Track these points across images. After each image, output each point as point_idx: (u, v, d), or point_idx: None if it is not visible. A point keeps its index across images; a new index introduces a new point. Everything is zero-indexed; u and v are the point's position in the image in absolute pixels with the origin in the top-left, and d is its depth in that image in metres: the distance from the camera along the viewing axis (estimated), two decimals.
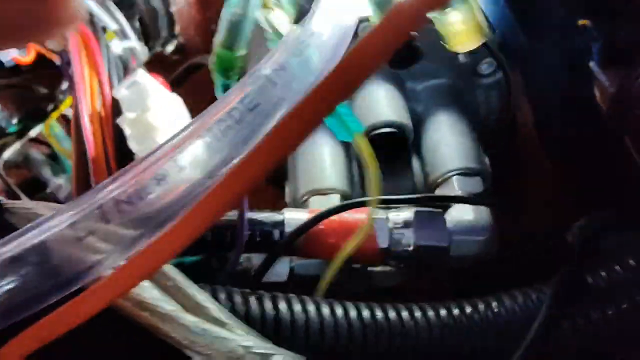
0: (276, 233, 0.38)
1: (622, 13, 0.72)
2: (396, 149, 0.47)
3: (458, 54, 0.48)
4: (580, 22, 0.69)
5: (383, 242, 0.39)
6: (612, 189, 0.59)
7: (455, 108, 0.49)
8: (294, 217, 0.39)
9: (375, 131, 0.45)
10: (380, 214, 0.40)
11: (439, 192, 0.45)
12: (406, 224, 0.40)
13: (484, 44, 0.47)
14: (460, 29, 0.41)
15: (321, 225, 0.39)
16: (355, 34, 0.36)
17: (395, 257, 0.40)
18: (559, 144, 0.56)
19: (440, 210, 0.41)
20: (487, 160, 0.48)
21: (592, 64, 0.69)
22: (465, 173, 0.44)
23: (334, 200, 0.44)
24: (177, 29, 0.75)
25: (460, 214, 0.42)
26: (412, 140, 0.48)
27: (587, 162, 0.57)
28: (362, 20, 0.40)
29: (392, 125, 0.45)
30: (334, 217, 0.39)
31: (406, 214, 0.40)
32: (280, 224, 0.38)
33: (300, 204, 0.45)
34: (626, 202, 0.58)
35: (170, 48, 0.76)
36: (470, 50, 0.47)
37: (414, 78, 0.50)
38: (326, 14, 0.34)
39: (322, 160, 0.46)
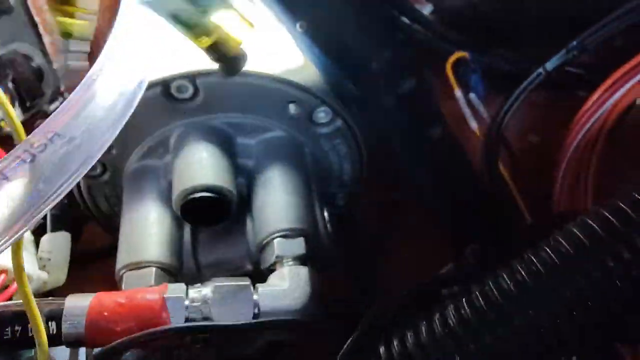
0: (52, 325, 0.35)
1: (502, 43, 0.71)
2: (224, 211, 0.44)
3: (288, 104, 0.46)
4: (459, 54, 0.69)
5: (178, 323, 0.36)
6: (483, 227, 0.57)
7: (289, 162, 0.46)
8: (75, 305, 0.35)
9: (192, 195, 0.42)
10: (177, 290, 0.37)
11: (263, 255, 0.42)
12: (206, 301, 0.36)
13: (314, 94, 0.46)
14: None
15: (105, 312, 0.35)
16: None
17: (195, 340, 0.36)
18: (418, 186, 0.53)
19: (247, 282, 0.38)
20: (322, 217, 0.45)
21: (471, 96, 0.68)
22: (287, 235, 0.41)
23: (149, 275, 0.40)
24: (62, 87, 0.73)
25: (276, 281, 0.39)
26: (248, 198, 0.46)
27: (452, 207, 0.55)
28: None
29: (211, 189, 0.42)
30: (121, 299, 0.36)
31: (207, 289, 0.37)
32: (57, 315, 0.35)
33: (119, 280, 0.42)
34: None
35: (55, 105, 0.73)
36: (301, 100, 0.46)
37: (245, 133, 0.47)
38: (111, 79, 0.31)
39: (141, 230, 0.43)
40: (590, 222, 0.33)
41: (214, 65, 0.43)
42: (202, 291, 0.37)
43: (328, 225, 0.46)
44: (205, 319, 0.36)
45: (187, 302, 0.36)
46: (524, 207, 0.57)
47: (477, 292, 0.34)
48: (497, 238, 0.56)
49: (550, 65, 0.58)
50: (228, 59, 0.40)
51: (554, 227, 0.49)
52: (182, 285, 0.38)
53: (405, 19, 0.65)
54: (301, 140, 0.48)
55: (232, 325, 0.35)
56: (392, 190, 0.64)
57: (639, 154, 0.65)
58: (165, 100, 0.44)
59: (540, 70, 0.59)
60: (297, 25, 0.42)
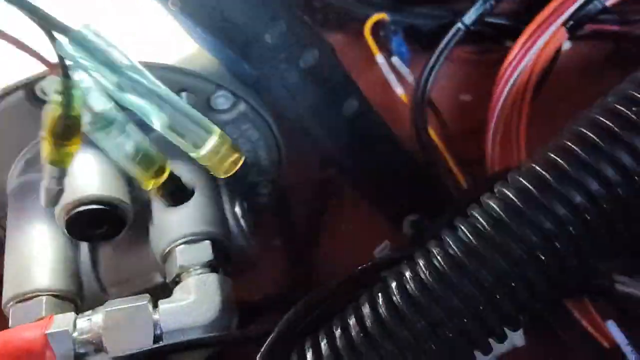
0: None
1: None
2: (118, 222, 0.39)
3: (178, 93, 0.41)
4: (378, 16, 0.65)
5: None
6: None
7: (189, 158, 0.41)
8: None
9: (76, 210, 0.37)
10: (63, 323, 0.32)
11: (167, 267, 0.38)
12: (97, 330, 0.32)
13: (206, 79, 0.41)
14: (216, 158, 0.33)
15: None
16: None
17: None
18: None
19: (144, 301, 0.33)
20: (233, 213, 0.41)
21: (394, 60, 0.64)
22: (190, 241, 0.37)
23: (39, 306, 0.35)
24: None
25: (181, 295, 0.35)
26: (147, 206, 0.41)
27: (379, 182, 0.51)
28: None
29: (98, 200, 0.37)
30: None
31: (98, 316, 0.33)
32: None
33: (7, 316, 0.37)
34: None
35: None
36: (193, 87, 0.41)
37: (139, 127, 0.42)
38: None
39: (28, 255, 0.38)
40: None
41: None
42: (92, 319, 0.33)
43: (242, 221, 0.41)
44: (98, 351, 0.32)
45: (75, 335, 0.32)
46: (458, 173, 0.54)
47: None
48: (434, 208, 0.54)
49: (468, 18, 0.55)
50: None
51: (489, 189, 0.46)
52: (70, 315, 0.33)
53: None
54: None
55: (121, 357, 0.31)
56: (322, 168, 0.61)
57: (569, 103, 0.64)
58: (31, 104, 0.38)
59: (459, 25, 0.55)
60: (169, 2, 0.36)
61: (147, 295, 0.34)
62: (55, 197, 0.34)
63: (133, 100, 0.29)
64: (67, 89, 0.29)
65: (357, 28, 0.66)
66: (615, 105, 0.30)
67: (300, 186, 0.61)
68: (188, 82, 0.40)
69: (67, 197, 0.37)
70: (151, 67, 0.38)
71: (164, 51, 0.41)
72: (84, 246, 0.41)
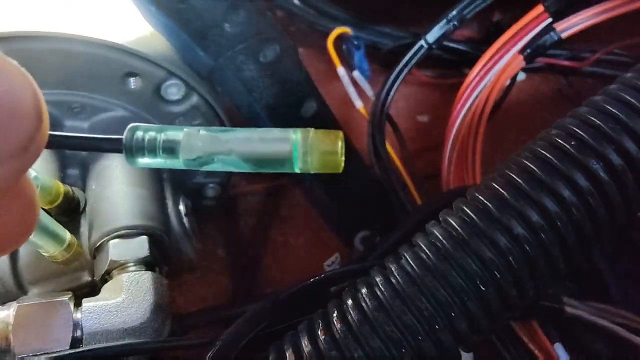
0: None
1: (385, 19, 0.68)
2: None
3: (126, 77, 0.38)
4: (342, 29, 0.65)
5: None
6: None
7: None
8: None
9: None
10: None
11: (96, 262, 0.34)
12: (4, 328, 0.28)
13: (158, 64, 0.38)
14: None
15: None
16: None
17: None
18: None
19: (65, 298, 0.29)
20: (176, 211, 0.38)
21: (355, 74, 0.64)
22: (125, 235, 0.33)
23: None
24: None
25: (109, 293, 0.31)
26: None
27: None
28: None
29: None
30: None
31: (8, 312, 0.28)
32: None
33: None
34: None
35: None
36: (142, 72, 0.38)
37: (74, 114, 0.38)
38: None
39: None
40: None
41: (21, 28, 0.34)
42: (0, 314, 0.28)
43: (185, 220, 0.38)
44: (4, 352, 0.27)
45: None
46: (413, 189, 0.53)
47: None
48: (387, 224, 0.52)
49: (431, 37, 0.55)
50: None
51: (443, 207, 0.45)
52: None
53: None
54: (149, 121, 0.40)
55: None
56: (273, 176, 0.59)
57: (519, 130, 0.65)
58: None
59: (422, 42, 0.55)
60: None
61: (69, 292, 0.31)
62: None
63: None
64: None
65: (318, 42, 0.65)
66: (556, 139, 0.30)
67: (249, 195, 0.58)
68: (137, 66, 0.37)
69: None
70: (98, 45, 0.36)
71: (113, 29, 0.38)
72: None
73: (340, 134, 0.23)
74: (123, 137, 0.22)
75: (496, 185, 0.30)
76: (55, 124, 0.37)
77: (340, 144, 0.23)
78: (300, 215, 0.56)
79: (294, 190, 0.55)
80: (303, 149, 0.23)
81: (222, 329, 0.37)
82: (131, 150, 0.22)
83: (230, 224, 0.55)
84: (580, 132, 0.30)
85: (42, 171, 0.34)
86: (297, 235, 0.56)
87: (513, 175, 0.30)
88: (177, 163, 0.22)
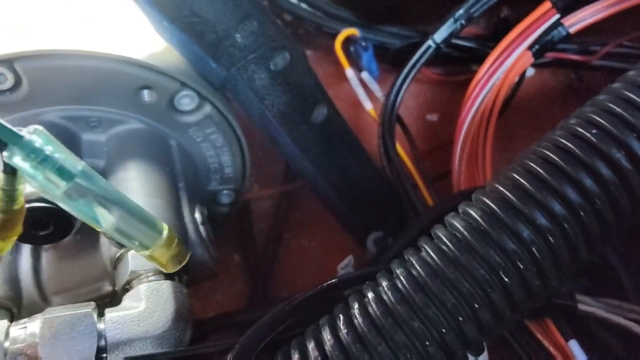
0: None
1: (391, 19, 0.68)
2: (65, 224, 0.36)
3: (140, 90, 0.39)
4: (350, 30, 0.65)
5: None
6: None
7: (147, 159, 0.39)
8: None
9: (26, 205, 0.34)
10: None
11: (117, 272, 0.35)
12: (33, 340, 0.29)
13: (171, 76, 0.39)
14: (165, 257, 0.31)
15: None
16: None
17: None
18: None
19: (88, 309, 0.30)
20: (193, 220, 0.39)
21: (363, 75, 0.64)
22: None
23: None
24: None
25: (131, 303, 0.32)
26: None
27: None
28: None
29: (44, 198, 0.34)
30: None
31: (35, 324, 0.29)
32: None
33: None
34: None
35: None
36: (156, 85, 0.39)
37: (91, 128, 0.39)
38: None
39: None
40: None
41: (38, 46, 0.35)
42: (28, 327, 0.29)
43: (202, 229, 0.39)
44: None
45: (6, 344, 0.29)
46: (424, 189, 0.54)
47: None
48: (399, 224, 0.53)
49: (438, 36, 0.55)
50: None
51: (455, 208, 0.46)
52: (3, 323, 0.30)
53: None
54: (164, 132, 0.41)
55: None
56: (286, 180, 0.59)
57: (529, 126, 0.65)
58: None
59: (430, 42, 0.55)
60: None
61: (93, 303, 0.31)
62: None
63: (80, 205, 0.27)
64: (12, 185, 0.27)
65: (326, 44, 0.66)
66: (577, 128, 0.30)
67: (262, 200, 0.59)
68: (151, 79, 0.38)
69: None
70: (113, 60, 0.37)
71: (127, 45, 0.39)
72: (26, 249, 0.37)
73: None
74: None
75: (517, 176, 0.29)
76: (73, 139, 0.38)
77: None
78: (313, 219, 0.56)
79: (306, 193, 0.55)
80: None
81: (240, 334, 0.38)
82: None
83: (244, 228, 0.56)
84: (600, 121, 0.29)
85: None
86: (311, 238, 0.56)
87: (534, 166, 0.29)
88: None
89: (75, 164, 0.26)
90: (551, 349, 0.43)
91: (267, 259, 0.55)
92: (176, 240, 0.31)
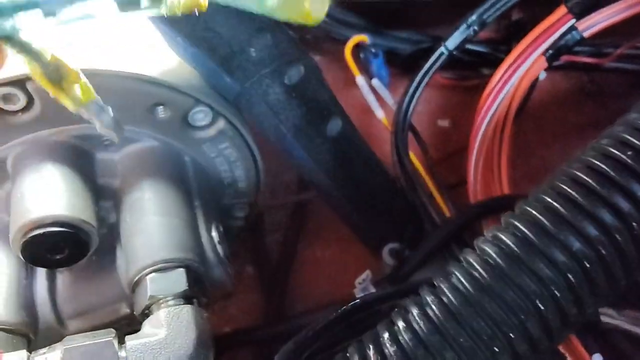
0: None
1: (402, 23, 0.67)
2: (81, 247, 0.35)
3: (153, 107, 0.38)
4: (359, 37, 0.64)
5: None
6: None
7: (162, 177, 0.38)
8: None
9: (34, 232, 0.33)
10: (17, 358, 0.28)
11: (136, 297, 0.34)
12: None
13: (185, 92, 0.38)
14: None
15: None
16: None
17: None
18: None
19: (109, 337, 0.30)
20: (210, 238, 0.38)
21: (374, 82, 0.63)
22: (162, 268, 0.33)
23: None
24: None
25: (151, 329, 0.31)
26: (115, 228, 0.37)
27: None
28: None
29: (59, 222, 0.33)
30: None
31: (55, 354, 0.29)
32: None
33: None
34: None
35: None
36: (169, 101, 0.38)
37: (105, 146, 0.38)
38: None
39: None
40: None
41: None
42: (48, 357, 0.29)
43: (219, 247, 0.38)
44: None
45: None
46: (440, 199, 0.53)
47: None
48: (415, 235, 0.52)
49: (451, 43, 0.54)
50: None
51: (473, 220, 0.45)
52: (23, 354, 0.29)
53: None
54: (178, 149, 0.40)
55: None
56: (299, 190, 0.59)
57: (543, 132, 0.64)
58: None
59: (442, 49, 0.55)
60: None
61: (112, 330, 0.31)
62: (117, 125, 0.30)
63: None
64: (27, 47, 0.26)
65: (335, 50, 0.65)
66: (610, 149, 0.29)
67: (275, 210, 0.58)
68: (165, 95, 0.37)
69: (24, 217, 0.33)
70: (126, 77, 0.36)
71: (140, 62, 0.38)
72: (41, 273, 0.37)
73: None
74: None
75: (549, 199, 0.29)
76: (87, 158, 0.38)
77: None
78: (327, 229, 0.55)
79: (320, 203, 0.55)
80: None
81: (256, 350, 0.37)
82: None
83: (257, 240, 0.55)
84: (635, 141, 0.28)
85: (76, 208, 0.34)
86: (325, 248, 0.55)
87: (566, 188, 0.29)
88: None
89: None
90: None
91: (281, 270, 0.55)
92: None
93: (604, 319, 0.42)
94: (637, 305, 0.43)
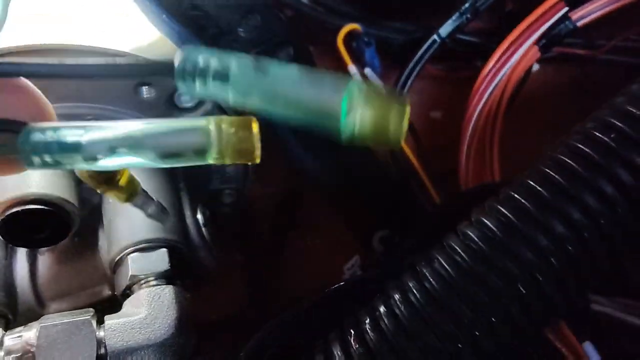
0: None
1: (392, 14, 0.67)
2: (62, 226, 0.34)
3: (138, 87, 0.37)
4: (351, 26, 0.64)
5: None
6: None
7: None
8: None
9: (12, 209, 0.32)
10: None
11: (117, 277, 0.33)
12: (28, 350, 0.27)
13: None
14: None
15: None
16: None
17: None
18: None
19: (87, 316, 0.29)
20: (195, 221, 0.37)
21: (366, 71, 0.63)
22: (144, 248, 0.33)
23: None
24: None
25: (131, 309, 0.31)
26: (98, 209, 0.36)
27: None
28: None
29: (40, 200, 0.32)
30: None
31: (31, 332, 0.28)
32: None
33: None
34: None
35: None
36: (155, 81, 0.37)
37: None
38: None
39: None
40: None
41: (34, 41, 0.33)
42: (23, 336, 0.28)
43: (204, 230, 0.38)
44: None
45: (1, 354, 0.27)
46: (431, 187, 0.52)
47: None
48: (406, 223, 0.52)
49: (444, 30, 0.54)
50: None
51: (464, 207, 0.44)
52: None
53: None
54: None
55: None
56: (289, 179, 0.58)
57: (540, 121, 0.64)
58: None
59: (435, 37, 0.54)
60: None
61: (91, 309, 0.30)
62: (162, 214, 0.29)
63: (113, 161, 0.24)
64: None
65: (327, 39, 0.64)
66: (594, 132, 0.29)
67: (265, 198, 0.58)
68: (146, 74, 0.37)
69: (3, 195, 0.32)
70: (110, 55, 0.35)
71: (123, 39, 0.37)
72: (21, 253, 0.36)
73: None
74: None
75: (533, 183, 0.28)
76: None
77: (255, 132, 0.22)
78: (317, 218, 0.55)
79: (309, 192, 0.54)
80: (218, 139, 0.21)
81: (242, 338, 0.37)
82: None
83: (246, 228, 0.54)
84: (619, 124, 0.28)
85: (57, 186, 0.34)
86: (315, 238, 0.55)
87: (550, 172, 0.28)
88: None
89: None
90: (565, 351, 0.42)
91: (270, 260, 0.54)
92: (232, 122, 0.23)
93: (594, 306, 0.42)
94: (626, 292, 0.42)
